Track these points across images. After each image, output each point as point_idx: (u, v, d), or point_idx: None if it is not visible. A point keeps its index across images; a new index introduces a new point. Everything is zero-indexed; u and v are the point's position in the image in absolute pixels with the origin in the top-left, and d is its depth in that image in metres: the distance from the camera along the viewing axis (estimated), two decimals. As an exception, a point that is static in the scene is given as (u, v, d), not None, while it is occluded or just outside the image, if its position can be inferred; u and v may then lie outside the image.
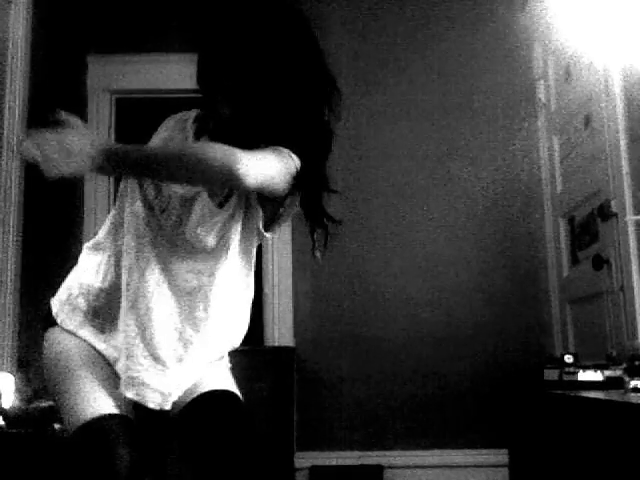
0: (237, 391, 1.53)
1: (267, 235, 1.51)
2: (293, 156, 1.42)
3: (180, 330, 1.47)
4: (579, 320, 3.27)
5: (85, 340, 1.50)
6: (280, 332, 3.57)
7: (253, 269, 1.56)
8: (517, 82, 3.73)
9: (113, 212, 1.58)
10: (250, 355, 3.01)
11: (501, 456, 3.16)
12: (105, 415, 1.37)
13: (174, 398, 1.47)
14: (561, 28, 3.32)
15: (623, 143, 2.72)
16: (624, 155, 2.71)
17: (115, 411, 1.39)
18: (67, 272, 1.60)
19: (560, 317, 3.47)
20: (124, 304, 1.47)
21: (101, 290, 1.51)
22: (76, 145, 1.23)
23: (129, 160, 1.32)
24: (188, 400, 1.48)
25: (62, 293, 1.55)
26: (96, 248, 1.57)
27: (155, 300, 1.45)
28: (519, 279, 3.59)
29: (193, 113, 1.58)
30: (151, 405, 1.45)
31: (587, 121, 3.09)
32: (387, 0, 3.81)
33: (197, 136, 1.53)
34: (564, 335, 3.40)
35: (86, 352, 1.48)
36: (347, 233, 3.48)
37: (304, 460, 3.39)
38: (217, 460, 1.40)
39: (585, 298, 3.15)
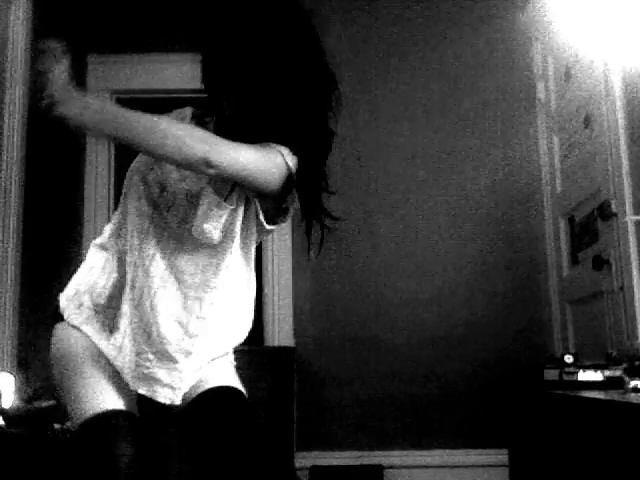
0: (242, 388, 1.54)
1: (269, 228, 1.52)
2: (285, 153, 1.43)
3: (186, 325, 1.48)
4: (579, 320, 3.27)
5: (89, 337, 1.50)
6: (280, 332, 3.57)
7: (253, 262, 1.58)
8: (517, 82, 3.73)
9: (117, 212, 1.59)
10: (250, 355, 3.00)
11: (501, 456, 3.16)
12: (109, 411, 1.39)
13: (183, 392, 1.48)
14: (561, 28, 3.32)
15: (623, 143, 2.72)
16: (624, 155, 2.71)
17: (119, 407, 1.41)
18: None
19: (560, 317, 3.47)
20: (129, 302, 1.48)
21: (105, 289, 1.52)
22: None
23: (109, 112, 1.35)
24: (193, 396, 1.49)
25: (70, 289, 1.56)
26: (102, 247, 1.58)
27: (160, 296, 1.46)
28: (519, 279, 3.59)
29: (188, 111, 1.59)
30: (162, 400, 1.46)
31: (587, 121, 3.09)
32: (387, 0, 3.81)
33: None
34: (564, 335, 3.40)
35: (92, 348, 1.49)
36: (347, 233, 3.48)
37: (304, 460, 3.39)
38: (223, 455, 1.40)
39: (585, 298, 3.15)
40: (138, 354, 1.46)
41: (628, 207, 2.66)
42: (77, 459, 1.38)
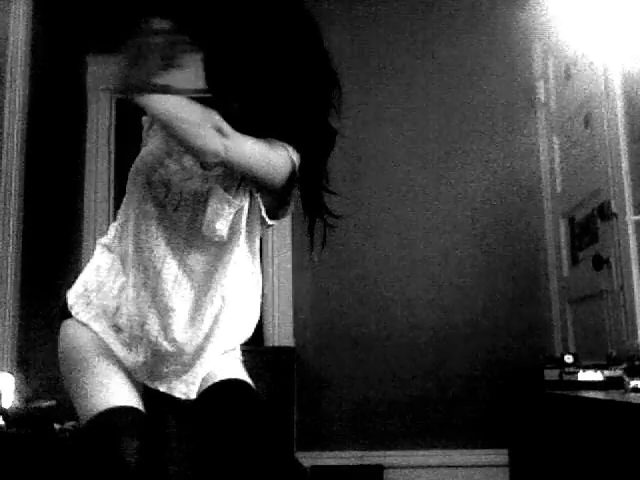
0: (250, 381, 1.55)
1: (270, 222, 1.54)
2: (289, 149, 1.45)
3: (199, 322, 1.49)
4: (579, 320, 3.27)
5: (97, 333, 1.51)
6: (280, 332, 3.57)
7: (258, 257, 1.60)
8: (517, 82, 3.73)
9: (119, 213, 1.59)
10: (250, 355, 3.00)
11: (501, 456, 3.16)
12: (116, 407, 1.39)
13: (197, 387, 1.50)
14: (561, 28, 3.32)
15: (623, 143, 2.72)
16: (624, 155, 2.71)
17: (126, 403, 1.41)
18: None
19: (560, 317, 3.47)
20: (138, 303, 1.48)
21: (112, 290, 1.53)
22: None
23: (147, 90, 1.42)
24: (203, 389, 1.50)
25: (78, 286, 1.56)
26: (108, 248, 1.58)
27: (174, 297, 1.47)
28: (519, 279, 3.59)
29: None
30: (178, 395, 1.49)
31: (587, 121, 3.09)
32: (387, 0, 3.81)
33: None
34: (564, 335, 3.40)
35: (99, 344, 1.49)
36: (347, 233, 3.48)
37: (304, 460, 3.38)
38: (232, 447, 1.40)
39: (585, 298, 3.15)
40: (152, 353, 1.47)
41: (628, 207, 2.66)
42: (84, 455, 1.38)
